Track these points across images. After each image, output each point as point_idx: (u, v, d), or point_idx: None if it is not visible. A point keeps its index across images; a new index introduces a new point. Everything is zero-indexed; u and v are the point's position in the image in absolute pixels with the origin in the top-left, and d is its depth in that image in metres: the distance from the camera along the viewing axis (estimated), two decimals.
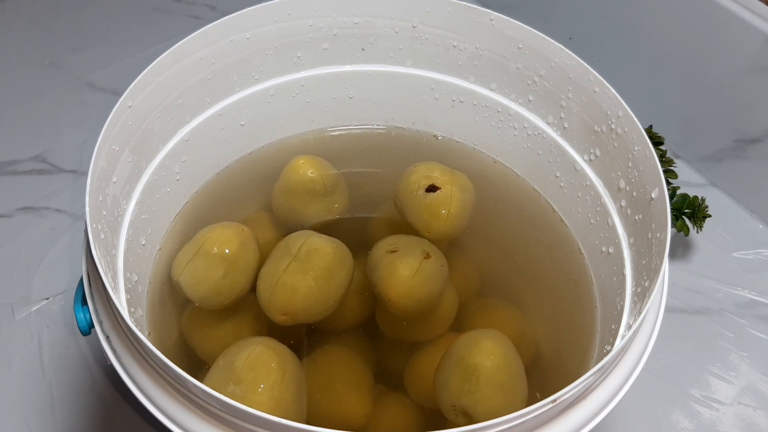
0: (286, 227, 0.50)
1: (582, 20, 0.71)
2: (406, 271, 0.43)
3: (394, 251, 0.45)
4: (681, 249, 0.63)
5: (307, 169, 0.49)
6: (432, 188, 0.48)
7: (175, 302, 0.47)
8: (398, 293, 0.43)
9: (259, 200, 0.52)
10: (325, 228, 0.49)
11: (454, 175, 0.49)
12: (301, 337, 0.46)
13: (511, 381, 0.41)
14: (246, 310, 0.46)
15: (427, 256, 0.44)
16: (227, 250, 0.43)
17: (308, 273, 0.43)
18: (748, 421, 0.54)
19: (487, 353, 0.40)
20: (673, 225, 0.58)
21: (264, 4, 0.48)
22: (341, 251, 0.44)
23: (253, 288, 0.45)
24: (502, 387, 0.40)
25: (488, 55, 0.50)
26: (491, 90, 0.52)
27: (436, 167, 0.49)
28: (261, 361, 0.39)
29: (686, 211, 0.59)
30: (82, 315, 0.40)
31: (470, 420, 0.41)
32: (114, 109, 0.41)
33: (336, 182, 0.50)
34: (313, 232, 0.45)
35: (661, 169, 0.40)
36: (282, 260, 0.43)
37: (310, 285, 0.42)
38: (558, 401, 0.32)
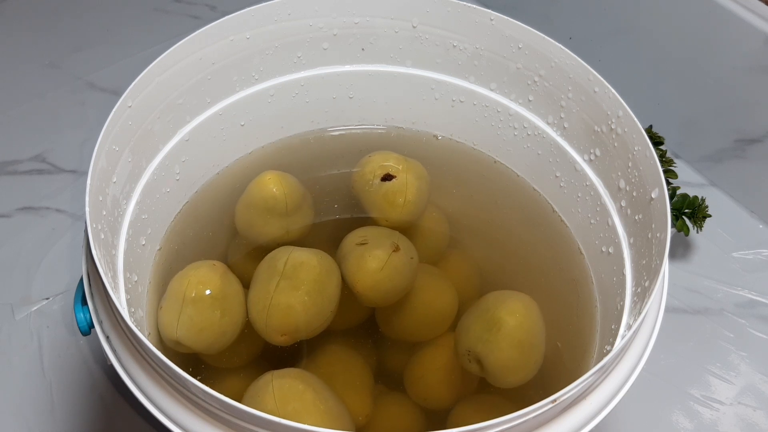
0: (245, 240, 0.49)
1: (582, 20, 0.71)
2: (374, 264, 0.43)
3: (364, 243, 0.45)
4: (681, 249, 0.63)
5: (271, 186, 0.46)
6: (387, 177, 0.48)
7: None
8: (365, 286, 0.43)
9: None
10: (313, 231, 0.49)
11: (408, 162, 0.49)
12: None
13: (529, 341, 0.42)
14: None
15: (396, 249, 0.44)
16: (210, 291, 0.42)
17: (300, 288, 0.42)
18: (748, 421, 0.54)
19: (513, 311, 0.42)
20: (673, 225, 0.58)
21: (264, 4, 0.48)
22: (326, 261, 0.44)
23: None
24: (519, 344, 0.41)
25: (488, 55, 0.50)
26: (491, 90, 0.52)
27: (390, 156, 0.49)
28: (287, 389, 0.39)
29: (686, 211, 0.59)
30: (82, 315, 0.40)
31: (481, 368, 0.42)
32: (114, 109, 0.41)
33: (300, 204, 0.48)
34: (293, 246, 0.44)
35: (661, 169, 0.40)
36: (270, 281, 0.42)
37: (305, 300, 0.42)
38: (558, 401, 0.32)
